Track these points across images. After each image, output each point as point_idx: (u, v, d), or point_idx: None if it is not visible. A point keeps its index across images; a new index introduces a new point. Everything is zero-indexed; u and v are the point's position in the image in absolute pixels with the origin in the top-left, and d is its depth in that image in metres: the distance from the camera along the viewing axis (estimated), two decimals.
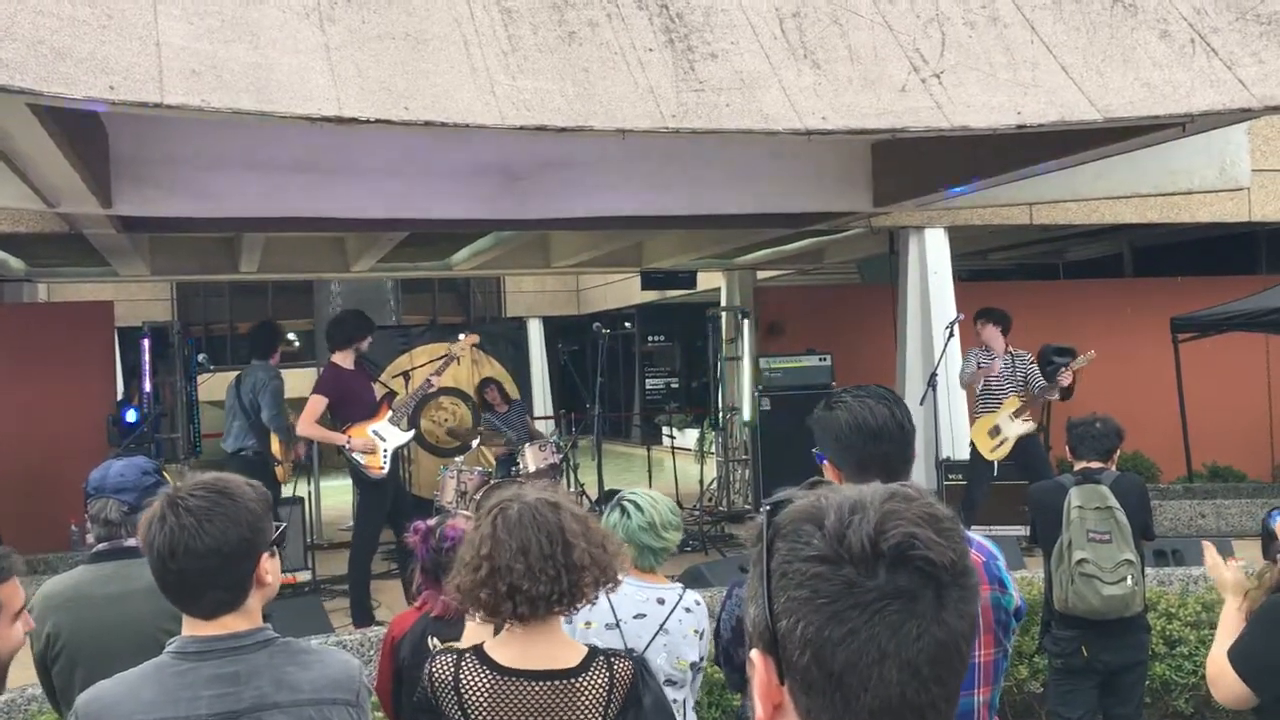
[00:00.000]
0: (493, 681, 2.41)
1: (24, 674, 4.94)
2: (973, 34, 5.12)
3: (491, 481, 8.90)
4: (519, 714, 2.40)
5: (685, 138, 4.82)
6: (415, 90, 4.51)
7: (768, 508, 1.05)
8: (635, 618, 3.16)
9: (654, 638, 3.15)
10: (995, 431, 8.71)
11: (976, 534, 2.47)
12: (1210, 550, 3.37)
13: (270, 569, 2.19)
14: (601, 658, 2.49)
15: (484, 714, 2.40)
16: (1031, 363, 8.87)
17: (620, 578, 2.57)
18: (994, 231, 11.17)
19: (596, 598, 2.55)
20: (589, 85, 4.73)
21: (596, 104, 4.67)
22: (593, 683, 2.44)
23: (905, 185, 7.81)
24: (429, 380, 8.02)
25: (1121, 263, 16.38)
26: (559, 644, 2.49)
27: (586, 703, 2.42)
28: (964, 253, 13.07)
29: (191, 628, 2.12)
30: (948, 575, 0.99)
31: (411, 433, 7.92)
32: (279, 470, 8.74)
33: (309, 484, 10.58)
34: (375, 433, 7.48)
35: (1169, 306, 11.62)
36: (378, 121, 4.41)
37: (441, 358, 8.37)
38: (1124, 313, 12.35)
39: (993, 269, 16.92)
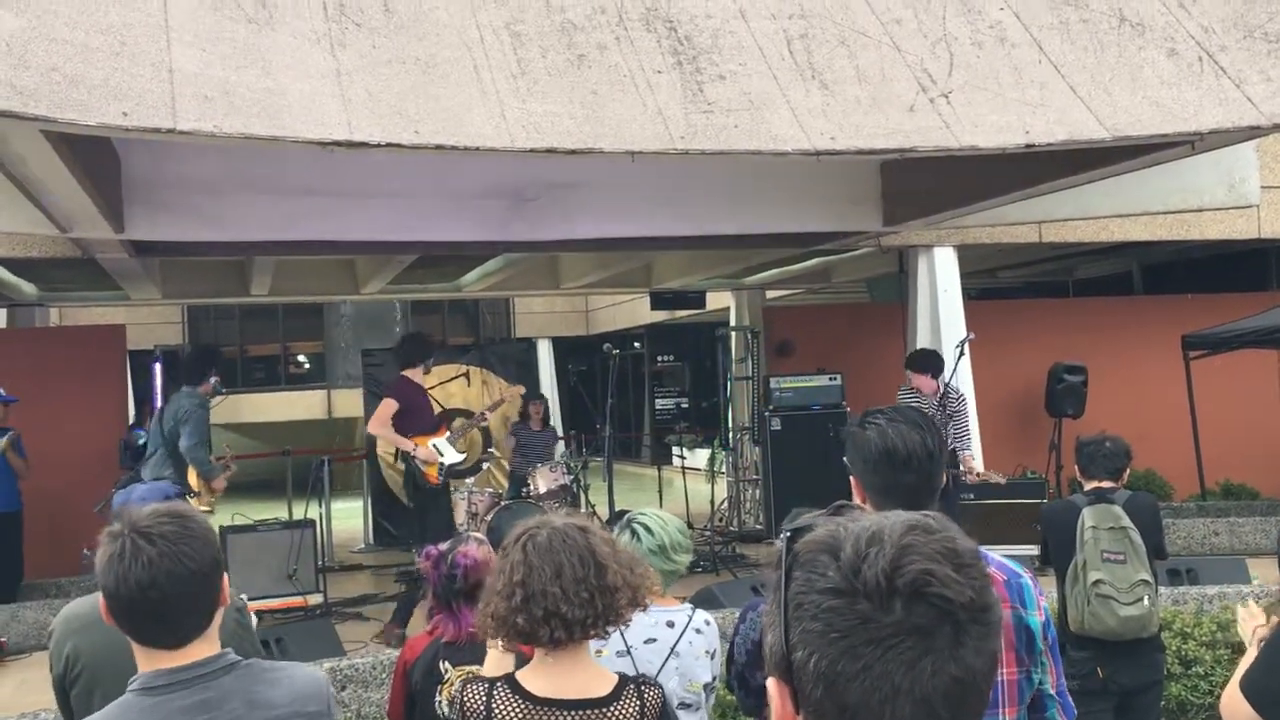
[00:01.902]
0: (526, 711, 2.40)
1: (41, 698, 4.95)
2: (980, 54, 5.14)
3: (502, 503, 8.90)
4: None
5: (694, 159, 4.83)
6: (426, 114, 4.53)
7: (788, 534, 1.03)
8: (646, 643, 3.12)
9: (665, 662, 3.12)
10: None
11: (997, 553, 2.44)
12: (1244, 613, 3.27)
13: (225, 585, 2.19)
14: (632, 686, 2.48)
15: None
16: (962, 401, 8.49)
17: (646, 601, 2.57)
18: (1003, 250, 11.16)
19: (630, 620, 2.54)
20: (598, 107, 4.75)
21: (606, 126, 4.69)
22: (624, 711, 2.43)
23: (914, 204, 7.82)
24: (482, 414, 9.27)
25: (1131, 280, 16.34)
26: (590, 673, 2.49)
27: None
28: (973, 271, 13.05)
29: (154, 661, 2.08)
30: (965, 614, 0.97)
31: (462, 456, 8.42)
32: (193, 502, 8.64)
33: (320, 506, 10.56)
34: (435, 446, 8.06)
35: (1179, 324, 11.58)
36: (388, 145, 4.43)
37: (475, 382, 8.53)
38: (1133, 330, 12.31)
39: (1002, 287, 16.88)
